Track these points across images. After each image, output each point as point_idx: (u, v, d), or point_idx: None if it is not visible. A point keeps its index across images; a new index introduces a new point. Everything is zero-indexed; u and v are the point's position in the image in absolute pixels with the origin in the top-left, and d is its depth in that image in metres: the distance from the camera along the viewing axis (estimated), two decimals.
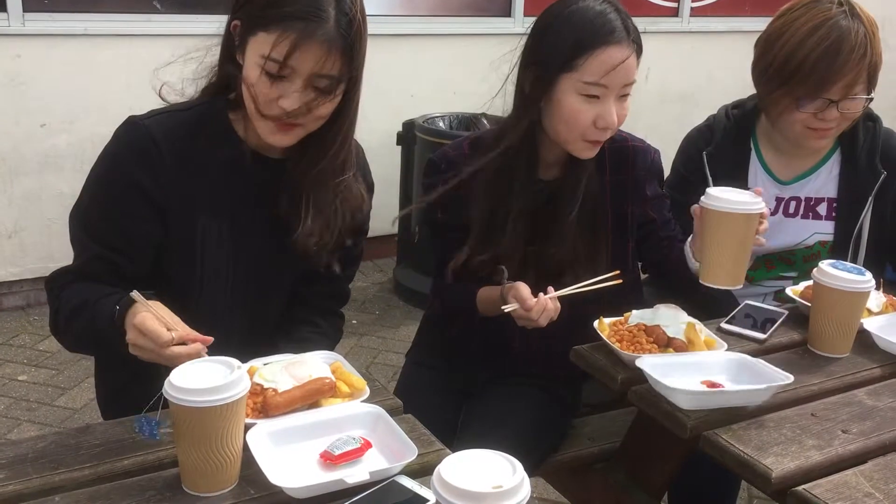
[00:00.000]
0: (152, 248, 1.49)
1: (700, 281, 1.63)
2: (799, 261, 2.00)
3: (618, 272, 1.61)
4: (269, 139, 1.44)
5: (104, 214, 1.46)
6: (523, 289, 1.58)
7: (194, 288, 1.51)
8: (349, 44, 1.37)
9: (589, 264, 1.67)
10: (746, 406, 1.40)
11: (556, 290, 1.60)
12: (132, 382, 1.52)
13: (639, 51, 1.63)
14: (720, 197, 1.56)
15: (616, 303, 1.65)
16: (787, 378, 1.40)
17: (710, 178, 1.97)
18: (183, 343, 1.27)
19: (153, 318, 1.29)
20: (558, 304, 1.60)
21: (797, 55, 1.79)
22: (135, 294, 1.31)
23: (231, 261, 1.51)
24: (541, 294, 1.58)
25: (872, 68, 1.81)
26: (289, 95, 1.37)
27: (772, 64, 1.84)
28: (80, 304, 1.42)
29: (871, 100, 1.85)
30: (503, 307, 1.59)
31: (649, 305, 1.63)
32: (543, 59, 1.62)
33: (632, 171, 1.78)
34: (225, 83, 1.49)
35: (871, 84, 1.83)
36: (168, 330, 1.27)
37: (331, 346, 1.60)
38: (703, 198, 1.60)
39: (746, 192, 1.61)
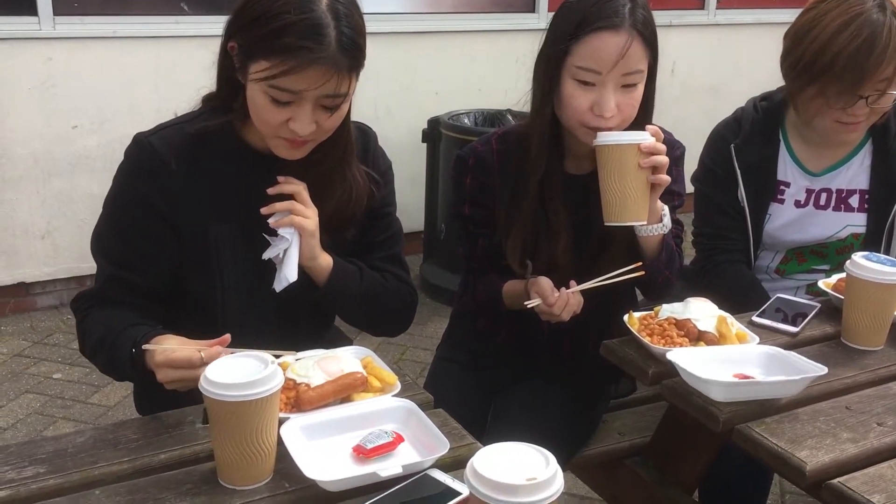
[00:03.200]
0: (168, 263, 1.50)
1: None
2: (832, 253, 1.98)
3: (640, 263, 1.61)
4: (282, 155, 1.46)
5: (118, 233, 1.49)
6: (545, 284, 1.58)
7: (216, 297, 1.52)
8: (353, 59, 1.37)
9: (624, 259, 1.65)
10: (780, 398, 1.39)
11: (578, 283, 1.60)
12: None
13: (646, 40, 1.55)
14: (605, 134, 1.55)
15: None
16: (821, 369, 1.38)
17: (738, 171, 1.95)
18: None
19: (171, 351, 1.30)
20: (581, 298, 1.59)
21: (828, 52, 1.74)
22: (146, 347, 1.33)
23: (249, 265, 1.51)
24: (563, 289, 1.58)
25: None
26: (299, 119, 1.38)
27: (801, 59, 1.80)
28: (100, 340, 1.45)
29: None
30: (525, 303, 1.60)
31: (680, 298, 1.63)
32: (549, 45, 1.62)
33: None
34: (225, 93, 1.49)
35: None
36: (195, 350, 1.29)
37: (393, 299, 1.63)
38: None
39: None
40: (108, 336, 1.43)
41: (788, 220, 1.98)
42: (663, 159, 1.55)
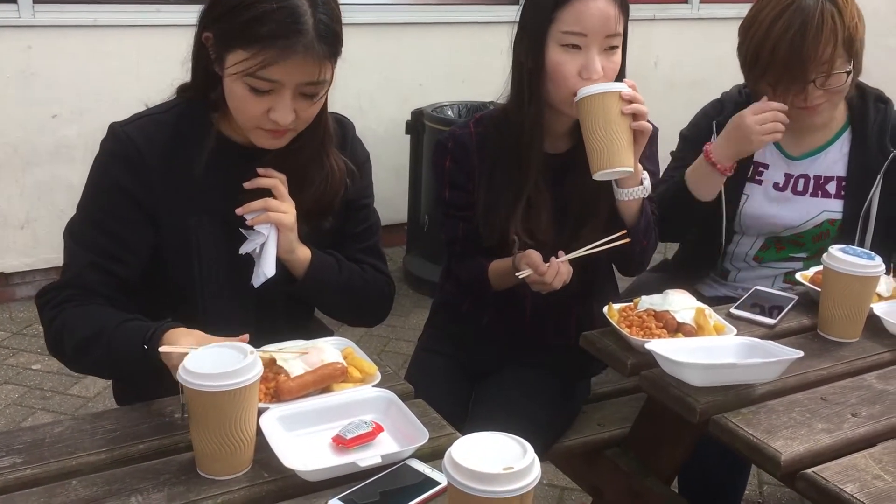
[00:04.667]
0: (146, 251, 1.49)
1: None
2: (809, 241, 2.01)
3: (625, 231, 1.64)
4: (262, 145, 1.46)
5: (96, 221, 1.46)
6: (535, 255, 1.61)
7: (195, 289, 1.51)
8: (331, 46, 1.37)
9: (604, 232, 1.67)
10: (756, 387, 1.41)
11: (565, 253, 1.62)
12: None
13: (621, 4, 1.62)
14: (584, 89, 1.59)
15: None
16: (797, 353, 1.40)
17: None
18: None
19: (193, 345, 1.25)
20: (570, 267, 1.63)
21: (767, 46, 1.81)
22: (165, 349, 1.28)
23: (228, 255, 1.51)
24: (552, 258, 1.61)
25: (848, 41, 1.80)
26: (279, 108, 1.37)
27: (747, 55, 1.88)
28: (90, 338, 1.39)
29: (850, 73, 1.83)
30: (517, 274, 1.63)
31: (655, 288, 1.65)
32: (530, 19, 1.65)
33: None
34: (201, 84, 1.48)
35: (850, 55, 1.82)
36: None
37: (371, 290, 1.64)
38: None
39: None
40: (101, 333, 1.38)
41: (766, 202, 2.00)
42: (644, 107, 1.61)
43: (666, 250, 2.62)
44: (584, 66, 1.60)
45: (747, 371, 1.40)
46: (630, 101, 1.59)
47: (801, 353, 1.40)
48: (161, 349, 1.28)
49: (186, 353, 1.17)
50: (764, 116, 1.82)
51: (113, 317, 1.40)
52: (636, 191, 1.68)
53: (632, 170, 1.61)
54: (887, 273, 1.73)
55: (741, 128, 1.84)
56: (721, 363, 1.41)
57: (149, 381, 1.35)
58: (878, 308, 1.66)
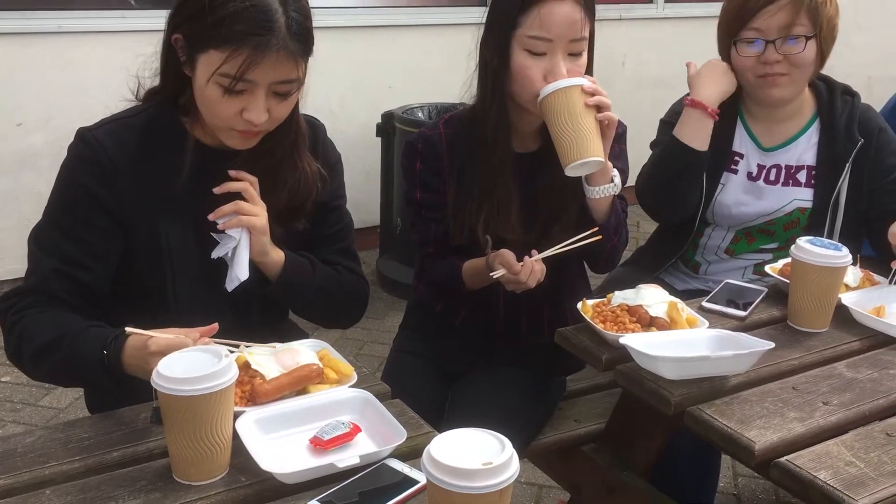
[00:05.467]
0: (113, 258, 1.47)
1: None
2: (779, 230, 2.04)
3: (597, 228, 1.66)
4: (234, 146, 1.45)
5: (62, 227, 1.44)
6: (508, 254, 1.61)
7: (168, 293, 1.50)
8: (303, 44, 1.37)
9: (573, 230, 1.68)
10: (729, 378, 1.43)
11: (538, 252, 1.63)
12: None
13: (587, 7, 1.63)
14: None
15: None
16: (768, 345, 1.42)
17: None
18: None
19: (164, 336, 1.25)
20: (543, 266, 1.64)
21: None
22: (132, 330, 1.28)
23: (200, 260, 1.50)
24: (525, 257, 1.61)
25: (813, 9, 1.85)
26: (252, 108, 1.37)
27: (721, 18, 1.97)
28: (51, 344, 1.36)
29: (812, 39, 1.87)
30: (491, 274, 1.63)
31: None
32: (495, 23, 1.66)
33: None
34: (170, 89, 1.47)
35: (815, 27, 1.87)
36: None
37: (346, 291, 1.64)
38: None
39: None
40: (62, 339, 1.36)
41: (739, 191, 2.03)
42: (607, 99, 1.62)
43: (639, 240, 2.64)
44: (549, 69, 1.62)
45: (720, 363, 1.42)
46: (592, 94, 1.60)
47: (773, 345, 1.43)
48: (129, 329, 1.28)
49: (163, 340, 1.21)
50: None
51: (74, 323, 1.39)
52: (606, 188, 1.69)
53: (602, 160, 1.62)
54: (854, 264, 1.76)
55: (716, 65, 1.95)
56: (694, 356, 1.43)
57: (112, 389, 1.34)
58: (847, 298, 1.69)
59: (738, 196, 2.03)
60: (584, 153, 1.59)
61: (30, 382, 3.10)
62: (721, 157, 2.03)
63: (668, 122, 2.07)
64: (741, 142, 2.06)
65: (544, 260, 1.64)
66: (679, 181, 1.98)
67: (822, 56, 1.93)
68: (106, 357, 1.31)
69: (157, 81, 1.51)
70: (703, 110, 1.93)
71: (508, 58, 1.64)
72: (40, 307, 1.42)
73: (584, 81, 1.61)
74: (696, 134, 1.94)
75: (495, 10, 1.68)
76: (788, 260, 1.70)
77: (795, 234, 1.66)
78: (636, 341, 1.44)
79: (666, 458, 1.75)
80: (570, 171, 1.62)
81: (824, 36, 1.90)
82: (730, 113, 2.03)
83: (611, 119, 1.63)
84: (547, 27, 1.59)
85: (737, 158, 2.05)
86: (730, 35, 1.93)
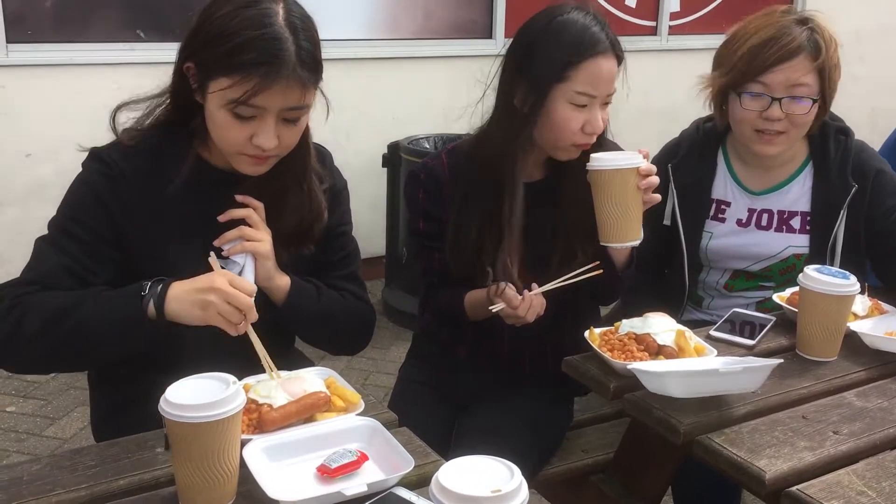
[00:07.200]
0: (111, 271, 1.47)
1: (601, 243, 1.67)
2: (776, 274, 2.02)
3: (598, 262, 1.66)
4: (246, 171, 1.47)
5: (69, 232, 1.46)
6: (509, 288, 1.62)
7: None
8: (313, 72, 1.40)
9: (584, 259, 1.69)
10: (739, 404, 1.42)
11: (539, 285, 1.63)
12: (125, 404, 1.53)
13: (620, 60, 1.69)
14: (601, 158, 1.62)
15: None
16: (776, 361, 1.42)
17: (673, 188, 2.01)
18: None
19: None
20: (543, 300, 1.64)
21: (741, 48, 1.88)
22: (212, 259, 1.37)
23: None
24: (525, 291, 1.61)
25: (822, 73, 1.84)
26: (262, 134, 1.39)
27: (721, 63, 1.94)
28: (67, 306, 1.36)
29: (817, 102, 1.86)
30: (490, 308, 1.63)
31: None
32: (536, 72, 1.66)
33: None
34: (180, 118, 1.49)
35: (823, 90, 1.86)
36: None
37: (352, 317, 1.64)
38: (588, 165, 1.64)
39: (629, 152, 1.65)
40: (82, 299, 1.35)
41: (730, 239, 2.01)
42: (657, 179, 1.64)
43: None
44: (588, 121, 1.66)
45: (730, 379, 1.41)
46: (646, 175, 1.61)
47: (781, 360, 1.43)
48: (210, 258, 1.38)
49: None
50: None
51: (89, 290, 1.39)
52: (631, 242, 1.68)
53: (640, 241, 1.64)
54: (862, 292, 1.76)
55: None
56: (703, 369, 1.42)
57: (139, 344, 1.37)
58: (857, 326, 1.68)
59: (729, 240, 2.01)
60: (626, 237, 1.63)
61: (34, 413, 3.09)
62: (700, 208, 2.02)
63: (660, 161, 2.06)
64: (727, 190, 2.03)
65: (545, 293, 1.63)
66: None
67: (819, 117, 1.92)
68: (143, 301, 1.33)
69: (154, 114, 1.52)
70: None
71: (545, 108, 1.66)
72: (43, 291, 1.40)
73: (641, 162, 1.61)
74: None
75: (539, 59, 1.66)
76: (796, 289, 1.69)
77: (792, 277, 1.65)
78: (644, 366, 1.43)
79: (686, 486, 1.72)
80: (607, 244, 1.65)
81: (827, 98, 1.89)
82: (709, 161, 2.03)
83: (655, 200, 1.65)
84: (595, 84, 1.64)
85: (723, 207, 2.03)
86: (734, 85, 1.90)
